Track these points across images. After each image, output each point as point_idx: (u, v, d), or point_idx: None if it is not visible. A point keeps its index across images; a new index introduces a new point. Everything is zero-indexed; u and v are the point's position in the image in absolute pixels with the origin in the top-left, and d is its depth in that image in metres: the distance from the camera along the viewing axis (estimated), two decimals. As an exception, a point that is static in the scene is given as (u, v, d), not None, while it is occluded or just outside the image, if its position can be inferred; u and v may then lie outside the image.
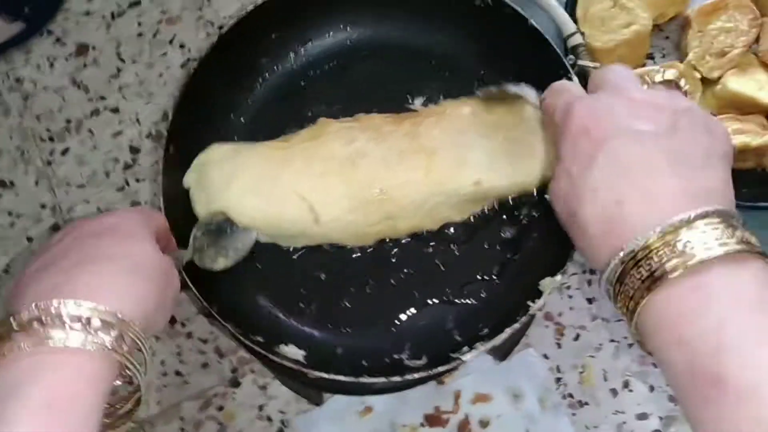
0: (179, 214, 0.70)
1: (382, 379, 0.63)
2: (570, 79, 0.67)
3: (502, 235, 0.73)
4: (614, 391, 0.81)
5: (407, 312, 0.72)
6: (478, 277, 0.72)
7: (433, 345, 0.68)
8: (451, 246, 0.73)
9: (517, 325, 0.64)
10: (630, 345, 0.82)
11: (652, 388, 0.81)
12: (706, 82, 0.84)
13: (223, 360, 0.85)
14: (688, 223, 0.41)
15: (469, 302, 0.72)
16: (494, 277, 0.72)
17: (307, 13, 0.78)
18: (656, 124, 0.46)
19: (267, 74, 0.81)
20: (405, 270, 0.73)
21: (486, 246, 0.73)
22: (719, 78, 0.84)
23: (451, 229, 0.72)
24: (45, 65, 0.97)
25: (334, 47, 0.79)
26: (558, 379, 0.82)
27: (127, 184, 0.91)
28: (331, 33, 0.80)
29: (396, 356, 0.68)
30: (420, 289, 0.72)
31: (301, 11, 0.78)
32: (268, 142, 0.74)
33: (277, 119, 0.77)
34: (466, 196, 0.69)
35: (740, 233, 0.43)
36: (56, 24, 0.98)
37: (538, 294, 0.66)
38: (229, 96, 0.79)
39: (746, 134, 0.81)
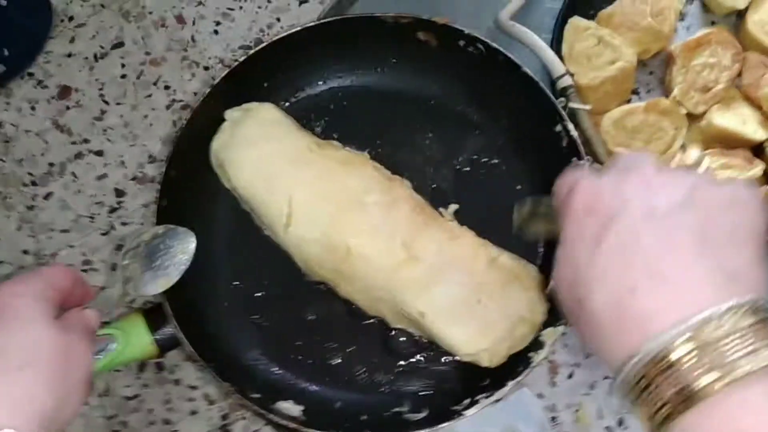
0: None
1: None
2: (564, 125, 0.67)
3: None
4: (609, 429, 0.81)
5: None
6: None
7: (434, 397, 0.67)
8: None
9: (519, 378, 0.63)
10: (625, 382, 0.82)
11: (647, 425, 0.80)
12: (692, 117, 0.85)
13: (213, 407, 0.83)
14: (719, 319, 0.35)
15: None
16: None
17: (301, 61, 0.78)
18: (670, 198, 0.40)
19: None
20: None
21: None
22: (704, 113, 0.84)
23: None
24: (26, 108, 0.96)
25: (327, 94, 0.79)
26: (553, 418, 0.81)
27: (113, 228, 0.90)
28: (325, 81, 0.80)
29: (396, 410, 0.67)
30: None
31: (296, 59, 0.79)
32: (308, 135, 0.74)
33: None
34: (407, 315, 0.68)
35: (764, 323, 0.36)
36: (37, 66, 0.97)
37: (540, 344, 0.65)
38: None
39: (732, 168, 0.81)
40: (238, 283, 0.74)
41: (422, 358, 0.71)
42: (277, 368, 0.71)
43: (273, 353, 0.72)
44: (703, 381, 0.35)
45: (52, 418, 0.46)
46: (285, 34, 0.74)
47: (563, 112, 0.68)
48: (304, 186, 0.69)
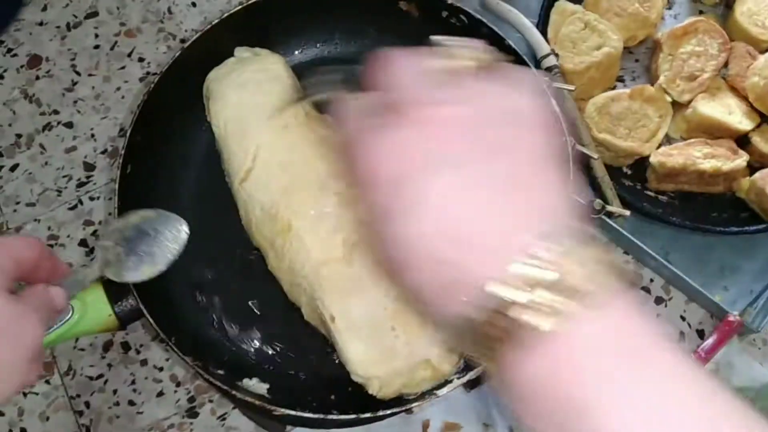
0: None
1: (352, 416, 0.60)
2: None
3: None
4: (586, 420, 0.79)
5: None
6: None
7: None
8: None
9: (470, 376, 0.62)
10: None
11: (623, 416, 0.79)
12: (677, 106, 0.84)
13: (180, 389, 0.80)
14: (534, 260, 0.34)
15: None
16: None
17: (278, 28, 0.76)
18: (467, 143, 0.37)
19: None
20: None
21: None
22: (689, 102, 0.83)
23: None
24: (-6, 76, 0.92)
25: (304, 64, 0.77)
26: (529, 408, 0.79)
27: (81, 202, 0.87)
28: (302, 50, 0.77)
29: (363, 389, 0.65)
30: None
31: (271, 26, 0.75)
32: (302, 103, 0.70)
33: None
34: (320, 314, 0.66)
35: (593, 257, 0.35)
36: (8, 34, 0.94)
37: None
38: (188, 113, 0.75)
39: (717, 158, 0.80)
40: (203, 257, 0.71)
41: None
42: (242, 345, 0.69)
43: (237, 330, 0.69)
44: (529, 326, 0.34)
45: None
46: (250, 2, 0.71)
47: (546, 89, 0.66)
48: (272, 149, 0.66)
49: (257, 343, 0.69)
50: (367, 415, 0.60)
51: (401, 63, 0.41)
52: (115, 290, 0.62)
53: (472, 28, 0.69)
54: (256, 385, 0.65)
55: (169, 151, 0.73)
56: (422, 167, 0.36)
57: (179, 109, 0.74)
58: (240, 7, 0.71)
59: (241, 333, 0.70)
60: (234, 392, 0.61)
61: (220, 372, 0.64)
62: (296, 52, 0.77)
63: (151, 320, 0.61)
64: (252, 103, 0.68)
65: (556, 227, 0.35)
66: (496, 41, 0.68)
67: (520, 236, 0.35)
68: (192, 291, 0.70)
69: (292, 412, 0.61)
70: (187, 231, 0.60)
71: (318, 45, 0.77)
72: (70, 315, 0.60)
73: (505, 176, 0.36)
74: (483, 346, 0.35)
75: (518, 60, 0.68)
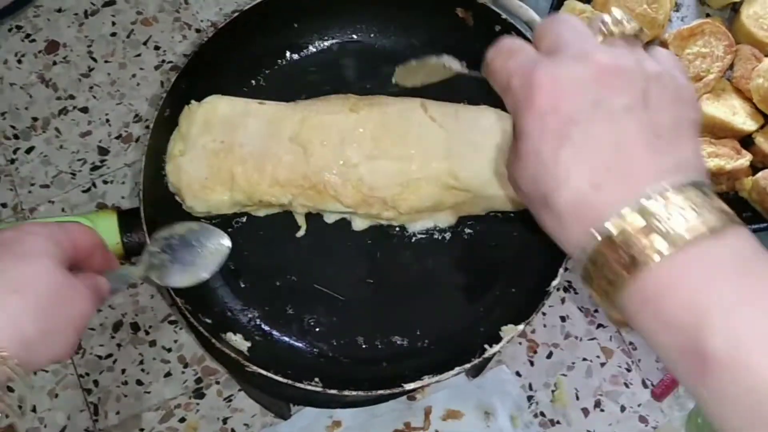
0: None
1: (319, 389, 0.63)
2: None
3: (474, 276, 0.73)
4: (586, 411, 0.81)
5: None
6: (446, 317, 0.71)
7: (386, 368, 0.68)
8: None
9: (467, 365, 0.63)
10: (602, 365, 0.82)
11: (623, 408, 0.80)
12: (682, 105, 0.85)
13: (188, 370, 0.82)
14: (664, 198, 0.39)
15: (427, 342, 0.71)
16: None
17: (336, 8, 0.78)
18: (628, 96, 0.43)
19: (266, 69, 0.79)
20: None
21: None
22: (695, 101, 0.84)
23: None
24: (12, 61, 0.94)
25: (358, 48, 0.79)
26: (530, 398, 0.81)
27: (94, 185, 0.88)
28: (359, 34, 0.80)
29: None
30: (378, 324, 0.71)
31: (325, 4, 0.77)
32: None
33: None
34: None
35: (716, 204, 0.40)
36: (27, 19, 0.96)
37: (497, 338, 0.65)
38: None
39: (720, 158, 0.81)
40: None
41: (381, 346, 0.71)
42: (234, 302, 0.71)
43: (233, 285, 0.71)
44: (647, 250, 0.39)
45: (32, 348, 0.46)
46: None
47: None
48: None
49: (255, 314, 0.71)
50: (355, 392, 0.63)
51: (571, 21, 0.46)
52: (127, 221, 0.64)
53: (486, 25, 0.72)
54: (238, 341, 0.67)
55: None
56: (595, 106, 0.42)
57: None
58: None
59: (235, 290, 0.72)
60: (214, 341, 0.62)
61: (207, 320, 0.65)
62: (353, 36, 0.79)
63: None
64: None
65: (688, 178, 0.40)
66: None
67: (655, 178, 0.40)
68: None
69: (266, 373, 0.63)
70: (229, 245, 0.63)
71: (372, 35, 0.79)
72: None
73: (655, 127, 0.42)
74: (608, 271, 0.40)
75: None
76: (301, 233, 0.72)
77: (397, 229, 0.72)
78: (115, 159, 0.90)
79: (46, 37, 0.95)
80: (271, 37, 0.77)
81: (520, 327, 0.65)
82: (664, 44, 0.88)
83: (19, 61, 0.94)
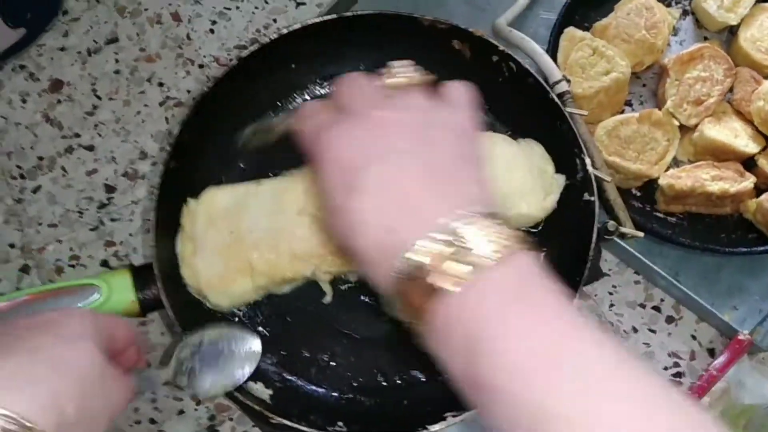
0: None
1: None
2: (582, 159, 0.68)
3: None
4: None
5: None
6: None
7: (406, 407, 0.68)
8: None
9: (467, 414, 0.63)
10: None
11: None
12: (684, 130, 0.86)
13: (200, 407, 0.82)
14: (451, 232, 0.42)
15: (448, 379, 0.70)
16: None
17: (329, 49, 0.78)
18: (403, 141, 0.47)
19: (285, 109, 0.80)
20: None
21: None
22: (696, 125, 0.85)
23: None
24: (17, 100, 0.94)
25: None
26: (543, 425, 0.81)
27: (102, 223, 0.89)
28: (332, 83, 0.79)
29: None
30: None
31: (321, 46, 0.77)
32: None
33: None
34: None
35: (501, 232, 0.43)
36: (30, 59, 0.96)
37: None
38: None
39: (724, 181, 0.82)
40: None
41: (400, 382, 0.71)
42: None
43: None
44: (438, 282, 0.41)
45: (66, 429, 0.45)
46: (319, 20, 0.72)
47: (582, 143, 0.68)
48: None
49: (273, 360, 0.71)
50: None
51: (358, 80, 0.52)
52: (140, 278, 0.65)
53: (519, 76, 0.72)
54: (260, 389, 0.67)
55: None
56: (371, 156, 0.46)
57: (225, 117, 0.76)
58: (298, 26, 0.72)
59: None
60: (236, 394, 0.62)
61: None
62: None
63: (169, 310, 0.63)
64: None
65: (472, 209, 0.43)
66: (538, 90, 0.70)
67: (441, 214, 0.43)
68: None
69: (290, 423, 0.63)
70: (260, 350, 0.64)
71: (372, 71, 0.79)
72: (97, 296, 0.63)
73: (435, 166, 0.46)
74: (410, 303, 0.43)
75: (557, 111, 0.69)
76: (327, 299, 0.71)
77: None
78: (122, 196, 0.90)
79: (50, 76, 0.95)
80: (265, 88, 0.77)
81: None
82: (664, 69, 0.89)
83: (24, 101, 0.94)
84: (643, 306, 0.85)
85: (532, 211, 0.68)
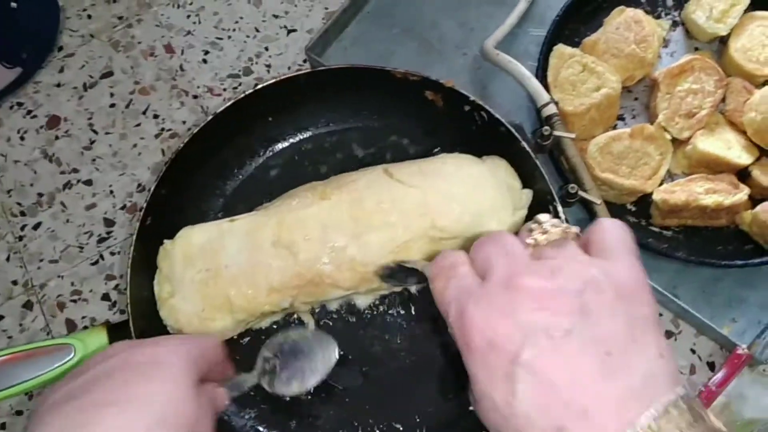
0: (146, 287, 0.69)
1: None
2: (555, 209, 0.68)
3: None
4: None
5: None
6: (447, 397, 0.71)
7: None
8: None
9: None
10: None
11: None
12: (677, 143, 0.86)
13: None
14: (647, 429, 0.36)
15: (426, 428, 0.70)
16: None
17: (308, 100, 0.78)
18: (563, 316, 0.39)
19: (261, 154, 0.80)
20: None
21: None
22: (689, 138, 0.85)
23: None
24: (15, 138, 0.96)
25: (331, 135, 0.80)
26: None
27: (102, 258, 0.90)
28: (329, 123, 0.81)
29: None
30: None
31: (295, 98, 0.78)
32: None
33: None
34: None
35: (702, 423, 0.36)
36: (27, 96, 0.97)
37: None
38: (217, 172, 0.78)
39: (718, 193, 0.82)
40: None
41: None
42: (232, 406, 0.70)
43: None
44: None
45: None
46: (291, 75, 0.73)
47: (557, 198, 0.67)
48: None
49: (251, 414, 0.70)
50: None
51: (504, 240, 0.45)
52: (117, 334, 0.65)
53: (491, 125, 0.72)
54: None
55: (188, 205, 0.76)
56: (529, 338, 0.39)
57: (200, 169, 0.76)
58: (272, 81, 0.73)
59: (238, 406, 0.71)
60: None
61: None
62: (326, 126, 0.80)
63: None
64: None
65: (658, 398, 0.36)
66: (510, 139, 0.70)
67: (620, 407, 0.36)
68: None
69: None
70: (338, 354, 0.65)
71: (348, 120, 0.80)
72: (71, 356, 0.64)
73: (605, 343, 0.38)
74: None
75: (529, 160, 0.69)
76: (311, 327, 0.71)
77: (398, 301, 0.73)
78: (121, 230, 0.91)
79: (47, 113, 0.97)
80: (246, 135, 0.78)
81: None
82: (654, 82, 0.89)
83: (22, 138, 0.96)
84: (642, 321, 0.85)
85: (503, 227, 0.68)
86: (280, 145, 0.79)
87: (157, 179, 0.70)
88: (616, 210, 0.85)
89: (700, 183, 0.83)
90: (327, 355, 0.64)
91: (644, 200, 0.86)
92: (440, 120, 0.75)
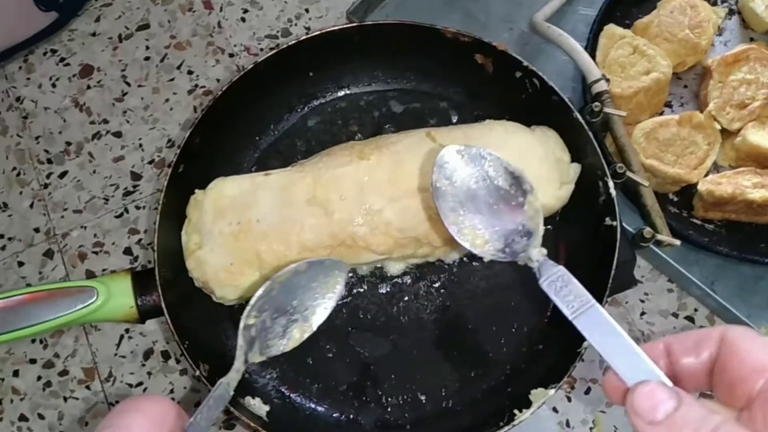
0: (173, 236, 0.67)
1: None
2: (607, 189, 0.64)
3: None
4: (624, 449, 0.78)
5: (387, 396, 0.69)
6: (473, 374, 0.69)
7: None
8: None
9: None
10: (642, 401, 0.79)
11: (663, 447, 0.78)
12: (726, 134, 0.83)
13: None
14: None
15: (452, 403, 0.68)
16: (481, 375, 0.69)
17: (353, 58, 0.76)
18: None
19: (298, 110, 0.78)
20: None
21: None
22: (739, 130, 0.82)
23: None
24: (47, 85, 0.94)
25: (372, 95, 0.78)
26: (567, 434, 0.79)
27: (126, 211, 0.88)
28: (371, 83, 0.78)
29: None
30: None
31: (339, 54, 0.75)
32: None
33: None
34: None
35: None
36: (61, 43, 0.96)
37: (527, 403, 0.63)
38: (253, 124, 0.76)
39: (766, 188, 0.79)
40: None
41: (402, 403, 0.69)
42: (254, 365, 0.68)
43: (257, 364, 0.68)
44: None
45: None
46: (335, 28, 0.70)
47: (608, 171, 0.65)
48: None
49: (273, 374, 0.69)
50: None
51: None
52: (141, 283, 0.63)
53: (543, 93, 0.69)
54: (257, 405, 0.65)
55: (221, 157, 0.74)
56: None
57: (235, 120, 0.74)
58: (317, 33, 0.71)
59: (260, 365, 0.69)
60: (232, 409, 0.60)
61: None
62: (367, 85, 0.78)
63: (168, 320, 0.62)
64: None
65: None
66: (563, 109, 0.67)
67: None
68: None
69: None
70: (345, 276, 0.55)
71: (389, 81, 0.78)
72: (94, 299, 0.61)
73: None
74: None
75: (582, 131, 0.66)
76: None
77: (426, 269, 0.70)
78: (148, 184, 0.89)
79: (81, 61, 0.95)
80: (285, 89, 0.75)
81: (551, 392, 0.62)
82: (707, 70, 0.86)
83: (54, 85, 0.94)
84: (675, 315, 0.82)
85: (548, 201, 0.65)
86: (318, 102, 0.77)
87: (192, 126, 0.68)
88: (658, 199, 0.82)
89: (748, 176, 0.80)
90: (331, 282, 0.54)
91: (687, 191, 0.83)
92: (488, 86, 0.72)
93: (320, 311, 0.53)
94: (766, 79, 0.83)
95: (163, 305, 0.62)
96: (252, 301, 0.52)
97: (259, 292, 0.52)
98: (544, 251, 0.50)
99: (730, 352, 0.39)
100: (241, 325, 0.50)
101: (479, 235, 0.52)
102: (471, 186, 0.53)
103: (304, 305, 0.52)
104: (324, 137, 0.74)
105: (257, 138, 0.75)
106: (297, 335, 0.52)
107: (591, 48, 0.85)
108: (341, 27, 0.71)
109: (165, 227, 0.65)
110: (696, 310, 0.82)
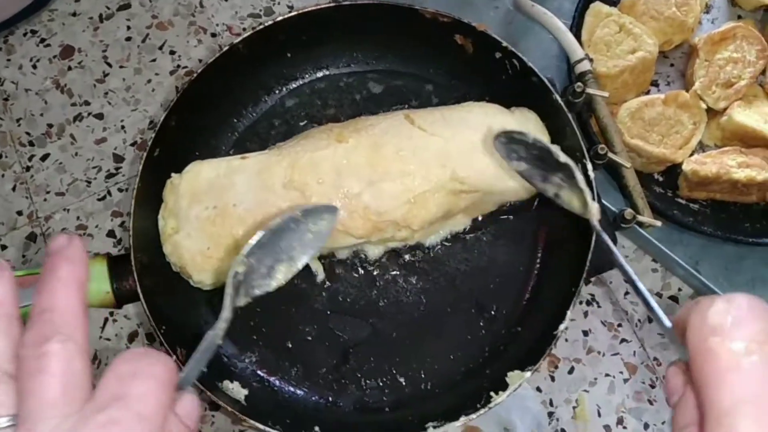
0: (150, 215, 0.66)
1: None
2: (584, 166, 0.64)
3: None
4: (608, 428, 0.79)
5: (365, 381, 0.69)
6: (451, 357, 0.68)
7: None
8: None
9: (473, 415, 0.61)
10: (625, 380, 0.80)
11: (646, 426, 0.78)
12: (712, 113, 0.82)
13: (203, 382, 0.81)
14: None
15: (431, 385, 0.68)
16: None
17: (324, 39, 0.74)
18: None
19: (276, 91, 0.77)
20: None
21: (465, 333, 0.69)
22: (725, 109, 0.81)
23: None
24: (27, 66, 0.93)
25: (351, 76, 0.76)
26: (550, 414, 0.79)
27: (109, 193, 0.87)
28: (351, 64, 0.77)
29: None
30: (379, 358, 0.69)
31: (318, 34, 0.73)
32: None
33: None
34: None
35: None
36: (41, 24, 0.94)
37: (503, 385, 0.62)
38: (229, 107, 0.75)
39: (751, 168, 0.78)
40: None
41: (382, 385, 0.68)
42: (230, 346, 0.68)
43: (229, 328, 0.67)
44: None
45: None
46: (314, 8, 0.69)
47: (587, 154, 0.64)
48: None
49: (252, 358, 0.68)
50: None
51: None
52: (117, 268, 0.62)
53: (522, 74, 0.68)
54: (235, 389, 0.64)
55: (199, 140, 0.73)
56: None
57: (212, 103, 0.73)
58: (294, 13, 0.69)
59: (234, 335, 0.68)
60: (209, 394, 0.60)
61: (204, 369, 0.63)
62: (346, 66, 0.76)
63: (144, 305, 0.61)
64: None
65: None
66: (543, 91, 0.66)
67: None
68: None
69: (262, 427, 0.60)
70: (335, 219, 0.54)
71: (369, 62, 0.76)
72: None
73: None
74: None
75: (561, 112, 0.65)
76: (320, 278, 0.69)
77: (407, 250, 0.70)
78: (131, 167, 0.88)
79: (61, 42, 0.94)
80: (263, 70, 0.74)
81: (527, 374, 0.62)
82: (693, 48, 0.85)
83: (34, 66, 0.93)
84: (659, 295, 0.82)
85: (528, 184, 0.65)
86: (296, 83, 0.76)
87: (167, 109, 0.67)
88: (642, 179, 0.81)
89: (733, 156, 0.80)
90: (320, 225, 0.52)
91: (672, 171, 0.82)
92: (468, 67, 0.71)
93: (307, 252, 0.52)
94: (752, 58, 0.82)
95: (139, 290, 0.61)
96: (243, 250, 0.50)
97: (252, 240, 0.50)
98: None
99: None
100: (231, 273, 0.48)
101: None
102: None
103: (291, 247, 0.51)
104: (302, 119, 0.73)
105: (235, 120, 0.74)
106: (281, 275, 0.51)
107: (577, 26, 0.85)
108: (319, 6, 0.70)
109: (141, 211, 0.65)
110: (680, 289, 0.82)
